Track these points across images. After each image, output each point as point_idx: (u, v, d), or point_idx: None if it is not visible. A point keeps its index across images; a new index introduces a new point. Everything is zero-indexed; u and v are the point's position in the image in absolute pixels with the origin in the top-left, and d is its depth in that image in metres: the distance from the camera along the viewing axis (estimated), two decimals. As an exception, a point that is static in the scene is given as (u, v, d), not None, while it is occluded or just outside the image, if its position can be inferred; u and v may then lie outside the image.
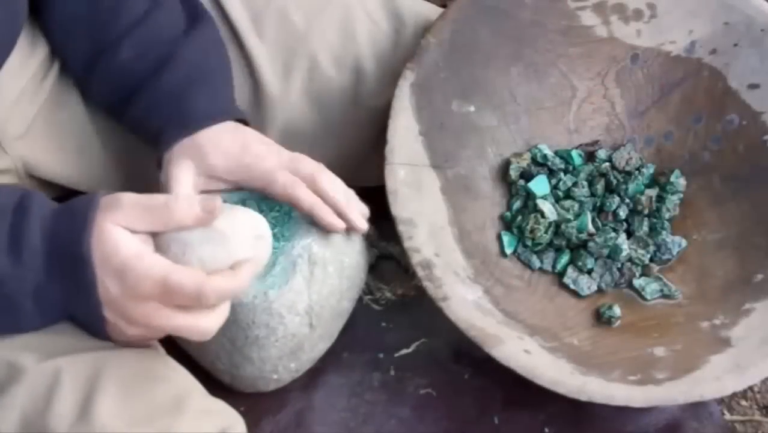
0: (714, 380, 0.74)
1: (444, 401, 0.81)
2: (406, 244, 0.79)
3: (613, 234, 0.86)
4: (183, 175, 0.72)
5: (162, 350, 0.66)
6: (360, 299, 0.83)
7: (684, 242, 0.87)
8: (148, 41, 0.74)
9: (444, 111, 0.86)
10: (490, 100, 0.89)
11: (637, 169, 0.90)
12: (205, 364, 0.76)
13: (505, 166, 0.89)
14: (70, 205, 0.58)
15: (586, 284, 0.86)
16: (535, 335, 0.79)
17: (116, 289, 0.56)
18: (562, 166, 0.90)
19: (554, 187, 0.89)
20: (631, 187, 0.89)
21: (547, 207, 0.87)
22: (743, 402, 1.14)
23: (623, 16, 0.90)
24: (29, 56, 0.77)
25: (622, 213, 0.89)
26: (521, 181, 0.88)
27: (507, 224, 0.88)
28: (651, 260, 0.87)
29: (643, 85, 0.92)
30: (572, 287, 0.86)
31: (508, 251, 0.87)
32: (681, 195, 0.89)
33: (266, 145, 0.74)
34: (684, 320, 0.83)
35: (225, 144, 0.73)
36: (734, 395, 1.13)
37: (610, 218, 0.89)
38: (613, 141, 0.92)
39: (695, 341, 0.80)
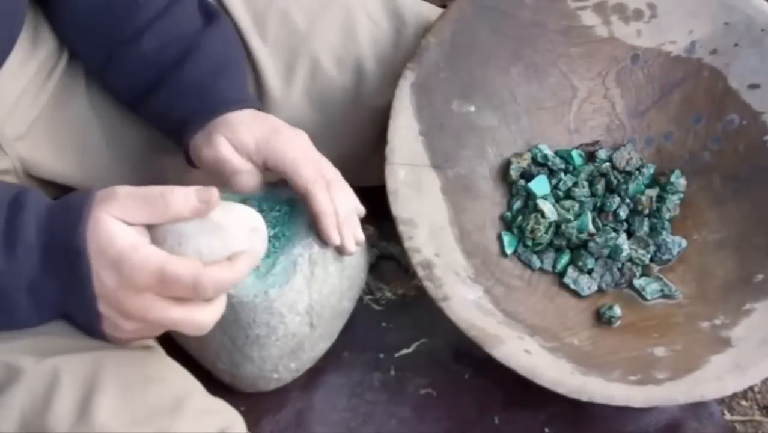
0: (714, 380, 0.74)
1: (444, 401, 0.81)
2: (407, 244, 0.79)
3: (613, 234, 0.86)
4: (227, 151, 0.72)
5: (161, 350, 0.66)
6: (360, 299, 0.83)
7: (684, 242, 0.87)
8: (169, 33, 0.75)
9: (444, 111, 0.87)
10: (491, 100, 0.89)
11: (638, 169, 0.90)
12: (205, 364, 0.76)
13: (506, 166, 0.89)
14: (66, 200, 0.58)
15: (587, 284, 0.86)
16: (536, 335, 0.79)
17: (112, 281, 0.56)
18: (563, 166, 0.90)
19: (554, 188, 0.89)
20: (632, 187, 0.89)
21: (547, 207, 0.87)
22: (743, 402, 1.14)
23: (623, 16, 0.90)
24: (29, 56, 0.77)
25: (623, 213, 0.89)
26: (521, 181, 0.88)
27: (507, 224, 0.88)
28: (651, 260, 0.87)
29: (643, 85, 0.92)
30: (572, 287, 0.86)
31: (509, 251, 0.87)
32: (681, 195, 0.90)
33: (297, 135, 0.74)
34: (684, 320, 0.83)
35: (255, 124, 0.73)
36: (734, 395, 1.13)
37: (611, 218, 0.89)
38: (614, 141, 0.93)
39: (695, 341, 0.80)
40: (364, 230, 0.75)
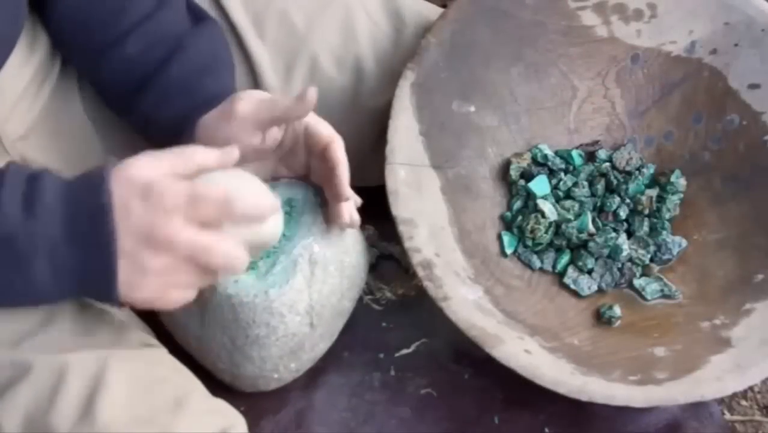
0: (714, 380, 0.74)
1: (444, 401, 0.81)
2: (407, 244, 0.79)
3: (613, 234, 0.86)
4: (242, 107, 0.71)
5: (164, 349, 0.66)
6: (360, 299, 0.83)
7: (684, 242, 0.87)
8: (154, 36, 0.75)
9: (444, 111, 0.87)
10: (491, 100, 0.89)
11: (638, 169, 0.90)
12: (206, 363, 0.76)
13: (506, 166, 0.89)
14: (83, 173, 0.58)
15: (587, 284, 0.86)
16: (536, 335, 0.79)
17: (140, 208, 0.55)
18: (563, 166, 0.90)
19: (554, 188, 0.89)
20: (632, 187, 0.89)
21: (547, 207, 0.87)
22: (743, 402, 1.14)
23: (623, 16, 0.90)
24: (29, 56, 0.77)
25: (623, 213, 0.89)
26: (521, 181, 0.89)
27: (507, 224, 0.88)
28: (651, 260, 0.87)
29: (643, 85, 0.92)
30: (572, 287, 0.86)
31: (509, 251, 0.87)
32: (681, 195, 0.90)
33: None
34: (684, 320, 0.83)
35: (246, 94, 0.73)
36: (734, 395, 1.13)
37: (611, 218, 0.89)
38: (614, 141, 0.93)
39: (696, 341, 0.80)
40: (364, 230, 0.75)
